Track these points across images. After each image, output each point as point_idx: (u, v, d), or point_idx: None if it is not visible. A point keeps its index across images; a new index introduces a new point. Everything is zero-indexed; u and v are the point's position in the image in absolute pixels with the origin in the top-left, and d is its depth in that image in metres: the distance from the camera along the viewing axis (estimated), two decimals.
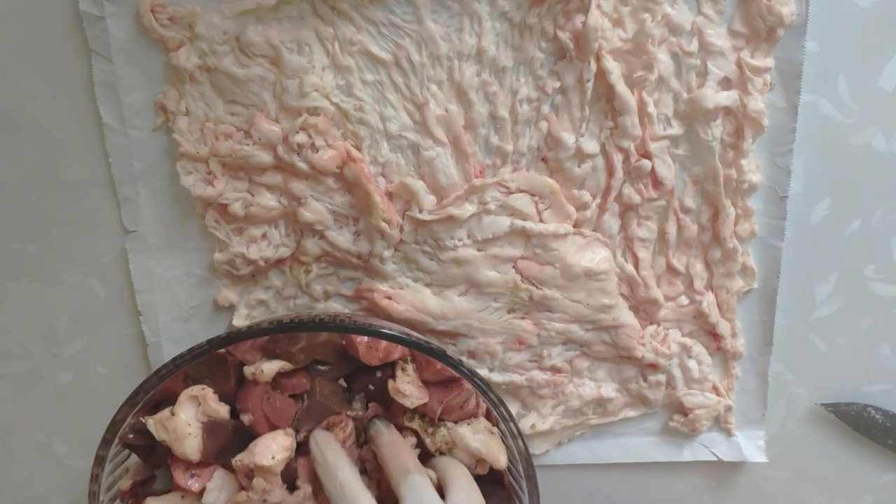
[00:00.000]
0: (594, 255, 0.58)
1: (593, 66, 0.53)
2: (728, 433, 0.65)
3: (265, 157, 0.54)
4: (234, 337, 0.50)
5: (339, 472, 0.51)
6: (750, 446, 0.65)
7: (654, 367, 0.62)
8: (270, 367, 0.52)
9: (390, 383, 0.54)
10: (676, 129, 0.56)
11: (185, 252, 0.58)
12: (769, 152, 0.57)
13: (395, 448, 0.53)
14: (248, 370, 0.52)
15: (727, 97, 0.54)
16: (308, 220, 0.56)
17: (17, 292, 0.59)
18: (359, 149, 0.55)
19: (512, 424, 0.53)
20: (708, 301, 0.60)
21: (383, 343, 0.53)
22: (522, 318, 0.60)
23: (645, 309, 0.61)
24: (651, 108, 0.54)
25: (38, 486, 0.65)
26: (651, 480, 0.67)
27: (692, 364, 0.62)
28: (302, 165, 0.54)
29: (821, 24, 0.54)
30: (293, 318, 0.51)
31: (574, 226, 0.58)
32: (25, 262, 0.59)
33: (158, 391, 0.51)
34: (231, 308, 0.60)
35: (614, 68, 0.53)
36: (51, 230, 0.58)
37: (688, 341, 0.62)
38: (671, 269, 0.60)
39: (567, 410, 0.63)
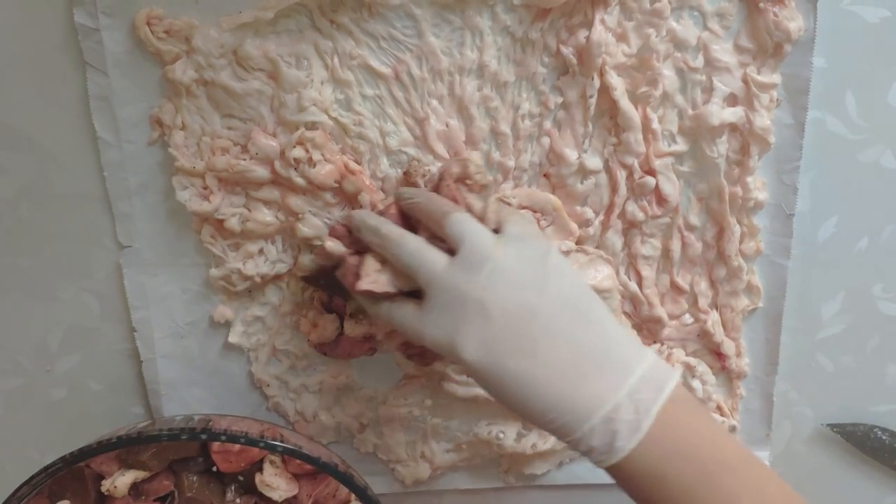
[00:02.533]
0: (597, 273, 0.57)
1: (597, 82, 0.52)
2: None
3: (262, 172, 0.54)
4: (87, 452, 0.50)
5: None
6: None
7: None
8: (124, 481, 0.52)
9: (258, 476, 0.54)
10: (681, 145, 0.55)
11: (181, 268, 0.58)
12: (775, 169, 0.56)
13: (425, 202, 0.50)
14: (104, 486, 0.53)
15: (733, 113, 0.54)
16: (306, 235, 0.55)
17: (10, 307, 0.59)
18: (358, 163, 0.54)
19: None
20: (712, 320, 0.59)
21: (237, 448, 0.53)
22: None
23: (648, 327, 0.60)
24: (655, 125, 0.54)
25: None
26: None
27: (696, 383, 0.61)
28: (299, 180, 0.53)
29: (828, 40, 0.53)
30: (140, 430, 0.51)
31: (577, 243, 0.57)
32: (18, 276, 0.58)
33: None
34: (227, 324, 0.59)
35: (618, 84, 0.52)
36: (44, 245, 0.57)
37: (692, 360, 0.61)
38: (675, 288, 0.59)
39: None
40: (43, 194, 0.56)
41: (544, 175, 0.56)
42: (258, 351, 0.60)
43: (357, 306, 0.56)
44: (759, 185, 0.56)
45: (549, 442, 0.62)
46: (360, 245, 0.51)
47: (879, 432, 0.63)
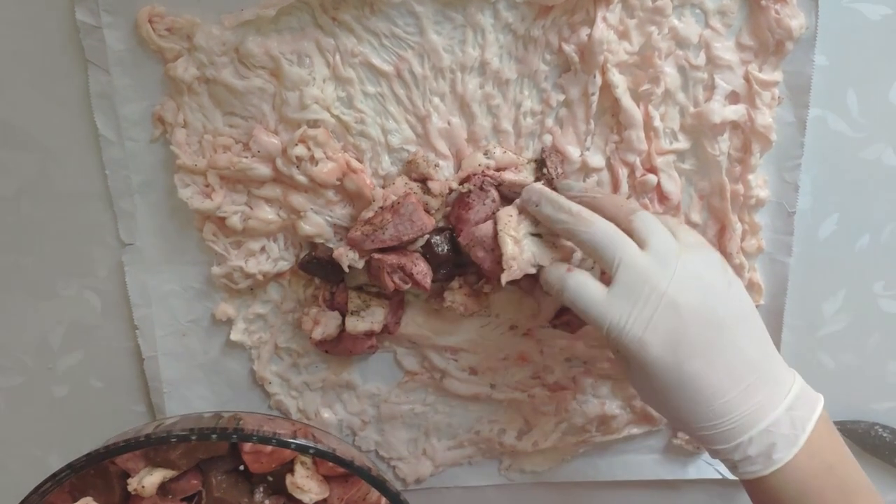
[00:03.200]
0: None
1: (598, 80, 0.52)
2: None
3: (264, 170, 0.53)
4: (114, 450, 0.49)
5: None
6: None
7: None
8: (152, 481, 0.52)
9: (288, 478, 0.54)
10: (683, 143, 0.55)
11: (183, 265, 0.58)
12: (777, 167, 0.56)
13: (608, 198, 0.51)
14: (130, 485, 0.52)
15: (735, 111, 0.54)
16: (308, 233, 0.55)
17: (12, 305, 0.59)
18: (360, 161, 0.54)
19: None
20: None
21: (269, 449, 0.53)
22: (525, 334, 0.59)
23: None
24: (657, 122, 0.54)
25: None
26: (655, 498, 0.66)
27: None
28: (301, 178, 0.53)
29: (830, 38, 0.53)
30: (169, 428, 0.51)
31: None
32: (20, 274, 0.58)
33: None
34: (229, 322, 0.59)
35: (620, 82, 0.52)
36: (46, 243, 0.57)
37: None
38: None
39: (570, 427, 0.62)
40: (44, 192, 0.56)
41: None
42: (260, 349, 0.60)
43: (359, 303, 0.56)
44: (761, 183, 0.56)
45: (550, 439, 0.62)
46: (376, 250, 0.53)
47: (880, 430, 0.63)
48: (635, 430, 0.63)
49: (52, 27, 0.52)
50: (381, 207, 0.53)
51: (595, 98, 0.53)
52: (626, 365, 0.49)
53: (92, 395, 0.61)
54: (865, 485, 0.48)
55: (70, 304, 0.59)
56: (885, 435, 0.63)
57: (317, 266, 0.56)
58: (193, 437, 0.50)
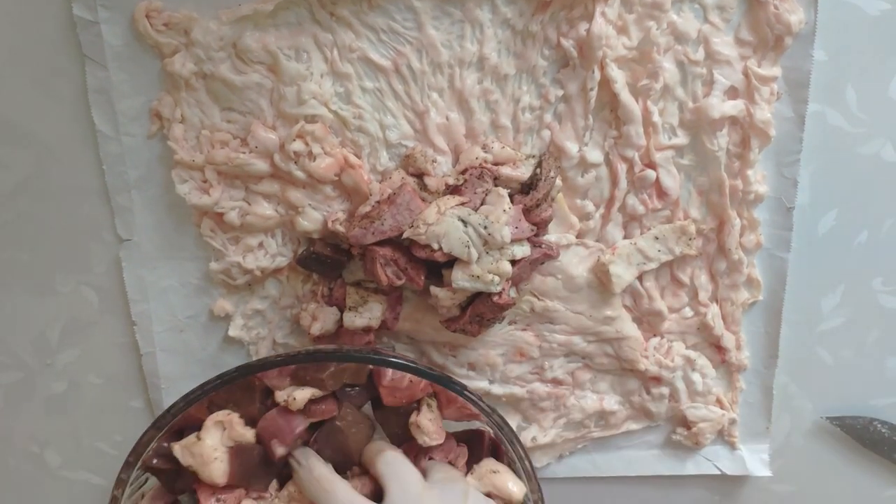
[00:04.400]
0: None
1: (597, 75, 0.52)
2: (732, 446, 0.64)
3: (262, 166, 0.53)
4: (265, 364, 0.50)
5: (313, 469, 0.51)
6: (754, 460, 0.64)
7: (658, 379, 0.61)
8: (302, 395, 0.51)
9: (413, 416, 0.53)
10: (682, 138, 0.55)
11: (181, 261, 0.58)
12: (776, 162, 0.56)
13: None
14: (279, 396, 0.52)
15: (733, 106, 0.54)
16: (306, 228, 0.55)
17: (10, 301, 0.59)
18: (358, 157, 0.54)
19: (527, 463, 0.53)
20: (712, 313, 0.59)
21: (405, 383, 0.53)
22: (523, 329, 0.59)
23: (648, 321, 0.60)
24: (656, 118, 0.54)
25: (30, 498, 0.64)
26: (654, 494, 0.66)
27: (696, 377, 0.61)
28: (299, 174, 0.53)
29: (829, 33, 0.53)
30: (319, 349, 0.52)
31: (577, 236, 0.57)
32: (18, 270, 0.58)
33: (182, 418, 0.50)
34: (227, 318, 0.59)
35: (619, 77, 0.52)
36: (43, 238, 0.57)
37: (692, 354, 0.61)
38: (675, 281, 0.59)
39: (569, 423, 0.62)
40: (42, 188, 0.56)
41: None
42: (258, 344, 0.60)
43: (357, 299, 0.56)
44: (760, 179, 0.56)
45: (548, 435, 0.62)
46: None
47: (879, 425, 0.63)
48: (634, 426, 0.63)
49: (49, 22, 0.51)
50: (378, 201, 0.53)
51: (594, 93, 0.53)
52: None
53: (90, 390, 0.61)
54: None
55: (68, 299, 0.59)
56: (883, 430, 0.63)
57: (315, 262, 0.56)
58: (348, 357, 0.51)
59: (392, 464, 0.50)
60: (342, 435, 0.53)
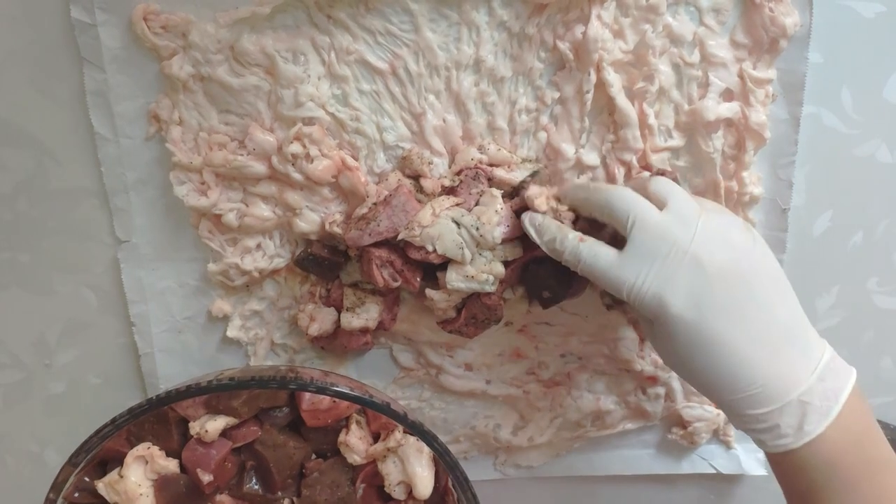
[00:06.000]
0: None
1: (593, 77, 0.52)
2: (727, 446, 0.64)
3: (259, 167, 0.54)
4: (176, 395, 0.50)
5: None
6: (749, 459, 0.64)
7: (654, 379, 0.61)
8: (215, 426, 0.52)
9: (341, 435, 0.54)
10: (677, 140, 0.55)
11: (179, 262, 0.58)
12: (771, 164, 0.56)
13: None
14: (192, 429, 0.52)
15: (729, 109, 0.54)
16: (303, 230, 0.55)
17: (9, 302, 0.59)
18: (355, 159, 0.54)
19: (458, 472, 0.53)
20: None
21: (326, 404, 0.53)
22: (520, 330, 0.60)
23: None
24: (652, 120, 0.54)
25: (30, 497, 0.64)
26: (649, 493, 0.66)
27: None
28: (297, 176, 0.53)
29: (824, 35, 0.53)
30: (232, 376, 0.51)
31: None
32: (17, 271, 0.58)
33: (102, 450, 0.51)
34: (225, 319, 0.59)
35: (615, 80, 0.52)
36: (42, 240, 0.57)
37: None
38: None
39: (565, 423, 0.63)
40: (40, 190, 0.56)
41: None
42: (256, 345, 0.60)
43: (354, 300, 0.57)
44: (755, 180, 0.56)
45: (545, 435, 0.62)
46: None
47: None
48: (630, 426, 0.63)
49: (47, 25, 0.52)
50: (375, 203, 0.53)
51: (590, 96, 0.53)
52: (648, 328, 0.48)
53: (89, 391, 0.62)
54: (894, 461, 0.46)
55: (66, 300, 0.59)
56: None
57: (312, 263, 0.56)
58: (254, 385, 0.50)
59: (666, 182, 0.48)
60: (264, 458, 0.54)
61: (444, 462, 0.52)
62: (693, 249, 0.44)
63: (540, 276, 0.54)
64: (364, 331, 0.57)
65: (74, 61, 0.52)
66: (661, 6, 0.51)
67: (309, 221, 0.55)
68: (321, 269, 0.56)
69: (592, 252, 0.47)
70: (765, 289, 0.45)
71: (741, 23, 0.53)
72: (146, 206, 0.56)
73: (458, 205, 0.53)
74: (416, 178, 0.54)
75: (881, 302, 0.61)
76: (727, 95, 0.54)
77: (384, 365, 0.61)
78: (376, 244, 0.53)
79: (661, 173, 0.53)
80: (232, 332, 0.59)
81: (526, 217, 0.52)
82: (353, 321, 0.57)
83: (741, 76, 0.53)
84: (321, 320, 0.58)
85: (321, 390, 0.50)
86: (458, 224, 0.52)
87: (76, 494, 0.51)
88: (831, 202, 0.58)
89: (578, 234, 0.49)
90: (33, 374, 0.61)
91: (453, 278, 0.52)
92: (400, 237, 0.52)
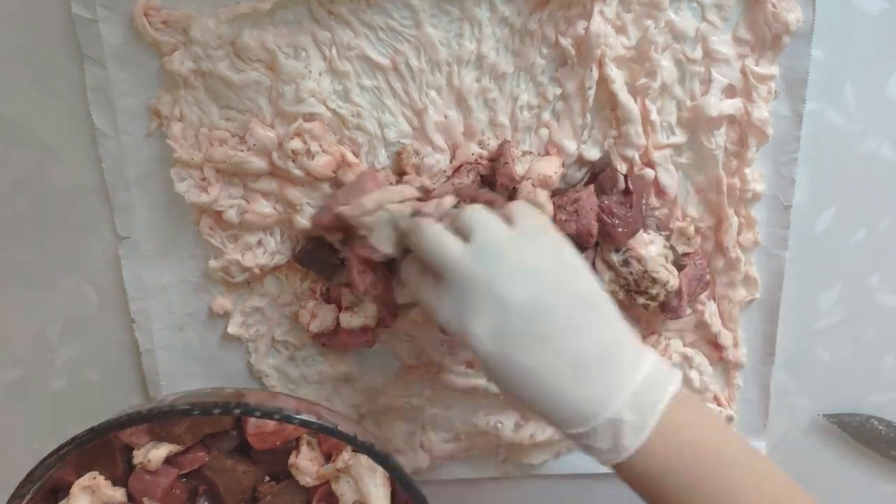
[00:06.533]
0: None
1: (595, 73, 0.52)
2: None
3: (260, 164, 0.53)
4: (116, 424, 0.49)
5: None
6: None
7: None
8: (158, 454, 0.52)
9: (291, 457, 0.54)
10: (680, 137, 0.55)
11: (180, 259, 0.58)
12: (773, 161, 0.56)
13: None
14: (136, 458, 0.52)
15: (731, 105, 0.54)
16: (303, 227, 0.55)
17: (9, 299, 0.59)
18: (356, 155, 0.54)
19: (413, 490, 0.53)
20: (710, 311, 0.59)
21: (271, 427, 0.53)
22: None
23: (646, 319, 0.60)
24: (654, 116, 0.54)
25: None
26: None
27: (693, 374, 0.61)
28: (297, 172, 0.53)
29: (827, 32, 0.53)
30: (173, 403, 0.50)
31: None
32: (17, 268, 0.58)
33: (50, 480, 0.51)
34: (226, 315, 0.59)
35: (617, 76, 0.52)
36: (43, 236, 0.57)
37: (689, 351, 0.61)
38: None
39: None
40: (41, 186, 0.56)
41: None
42: (257, 342, 0.60)
43: (353, 298, 0.56)
44: (757, 177, 0.56)
45: (546, 432, 0.62)
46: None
47: (876, 422, 0.63)
48: None
49: (47, 21, 0.51)
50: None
51: (592, 92, 0.53)
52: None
53: (89, 388, 0.61)
54: (739, 457, 0.45)
55: (67, 297, 0.59)
56: (880, 428, 0.63)
57: (312, 260, 0.56)
58: (196, 412, 0.49)
59: (472, 212, 0.47)
60: (214, 484, 0.54)
61: (400, 480, 0.52)
62: (496, 286, 0.44)
63: None
64: (365, 329, 0.57)
65: (75, 57, 0.52)
66: (664, 2, 0.51)
67: (309, 218, 0.55)
68: (321, 266, 0.56)
69: (420, 285, 0.48)
70: (572, 317, 0.45)
71: (744, 19, 0.52)
72: (147, 202, 0.56)
73: (421, 199, 0.52)
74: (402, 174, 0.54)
75: (883, 299, 0.61)
76: (729, 92, 0.54)
77: (385, 361, 0.61)
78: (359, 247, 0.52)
79: (475, 199, 0.51)
80: (233, 329, 0.59)
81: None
82: (352, 320, 0.57)
83: (744, 72, 0.53)
84: (322, 317, 0.58)
85: (267, 415, 0.50)
86: (396, 222, 0.51)
87: None
88: (834, 199, 0.58)
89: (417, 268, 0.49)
90: (34, 370, 0.61)
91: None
92: (336, 210, 0.51)
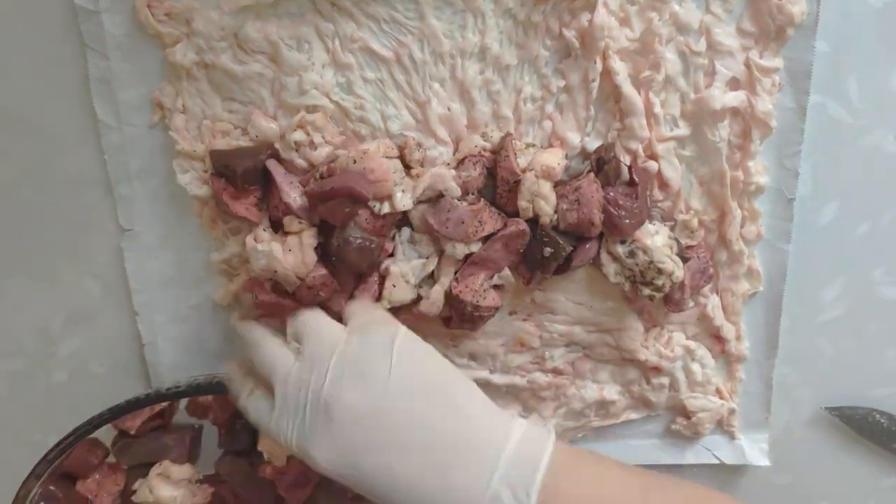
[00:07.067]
0: None
1: (599, 65, 0.52)
2: (731, 436, 0.64)
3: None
4: (133, 405, 0.52)
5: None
6: (753, 449, 0.64)
7: (658, 369, 0.61)
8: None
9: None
10: (683, 129, 0.55)
11: (182, 251, 0.58)
12: (777, 154, 0.56)
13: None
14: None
15: (735, 98, 0.53)
16: None
17: (12, 290, 0.59)
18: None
19: None
20: (713, 304, 0.59)
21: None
22: (524, 319, 0.59)
23: (648, 311, 0.60)
24: (658, 109, 0.53)
25: None
26: None
27: (696, 367, 0.61)
28: (300, 163, 0.53)
29: (831, 24, 0.53)
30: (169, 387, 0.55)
31: None
32: (20, 260, 0.58)
33: (70, 458, 0.53)
34: (229, 307, 0.59)
35: (621, 69, 0.52)
36: (46, 228, 0.57)
37: (692, 344, 0.61)
38: None
39: (569, 412, 0.63)
40: (44, 178, 0.56)
41: None
42: None
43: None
44: (761, 170, 0.56)
45: (549, 424, 0.62)
46: None
47: (878, 416, 0.63)
48: (634, 415, 0.63)
49: (50, 12, 0.51)
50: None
51: (595, 84, 0.53)
52: None
53: (92, 380, 0.62)
54: (638, 499, 0.44)
55: (70, 289, 0.59)
56: (882, 421, 0.63)
57: None
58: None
59: (304, 321, 0.47)
60: None
61: None
62: (323, 395, 0.43)
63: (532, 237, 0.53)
64: None
65: (78, 48, 0.52)
66: None
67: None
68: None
69: (254, 407, 0.47)
70: (414, 411, 0.43)
71: (748, 11, 0.52)
72: (150, 194, 0.56)
73: None
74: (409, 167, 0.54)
75: (887, 293, 0.61)
76: (733, 84, 0.54)
77: None
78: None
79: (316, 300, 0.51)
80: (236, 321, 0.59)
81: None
82: None
83: (747, 65, 0.53)
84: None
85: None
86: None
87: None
88: (837, 192, 0.58)
89: (250, 387, 0.49)
90: (36, 362, 0.61)
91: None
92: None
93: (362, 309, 0.48)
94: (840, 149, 0.57)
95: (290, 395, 0.44)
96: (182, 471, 0.56)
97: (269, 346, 0.47)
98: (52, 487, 0.52)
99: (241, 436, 0.56)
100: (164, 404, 0.56)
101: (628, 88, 0.52)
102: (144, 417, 0.55)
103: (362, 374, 0.44)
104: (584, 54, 0.52)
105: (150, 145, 0.55)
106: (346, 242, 0.50)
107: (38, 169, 0.55)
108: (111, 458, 0.57)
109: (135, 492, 0.56)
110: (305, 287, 0.51)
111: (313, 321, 0.47)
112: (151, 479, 0.55)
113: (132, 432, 0.55)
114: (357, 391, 0.43)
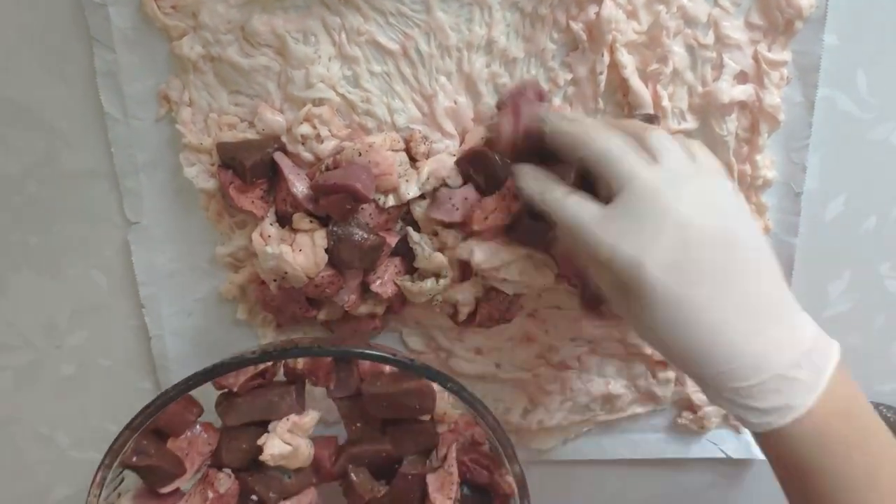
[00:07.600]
0: None
1: (606, 58, 0.52)
2: (737, 430, 0.64)
3: None
4: (234, 363, 0.49)
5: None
6: None
7: (664, 363, 0.61)
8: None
9: None
10: (691, 123, 0.54)
11: (189, 244, 0.58)
12: (784, 147, 0.56)
13: (624, 121, 0.49)
14: None
15: (743, 91, 0.53)
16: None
17: (19, 284, 0.59)
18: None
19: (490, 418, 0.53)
20: None
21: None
22: (530, 314, 0.59)
23: None
24: (665, 102, 0.53)
25: (41, 478, 0.65)
26: (659, 477, 0.66)
27: None
28: (307, 156, 0.53)
29: (840, 17, 0.53)
30: (284, 344, 0.52)
31: None
32: (27, 253, 0.58)
33: (165, 415, 0.51)
34: (235, 301, 0.59)
35: (629, 62, 0.52)
36: (52, 222, 0.57)
37: None
38: None
39: (575, 406, 0.63)
40: (51, 171, 0.56)
41: None
42: (266, 327, 0.60)
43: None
44: (768, 164, 0.56)
45: (554, 418, 0.62)
46: None
47: (885, 410, 0.63)
48: (639, 410, 0.63)
49: (57, 5, 0.51)
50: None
51: (603, 77, 0.52)
52: (621, 299, 0.44)
53: (99, 373, 0.62)
54: (884, 429, 0.43)
55: (77, 282, 0.59)
56: (889, 415, 0.63)
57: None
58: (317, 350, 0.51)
59: (664, 137, 0.44)
60: None
61: (476, 410, 0.52)
62: (681, 212, 0.41)
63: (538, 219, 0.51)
64: (372, 316, 0.57)
65: (84, 42, 0.52)
66: None
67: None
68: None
69: (576, 204, 0.44)
70: (750, 259, 0.43)
71: (756, 4, 0.52)
72: (156, 187, 0.56)
73: None
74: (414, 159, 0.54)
75: (893, 287, 0.61)
76: (741, 78, 0.54)
77: (393, 347, 0.61)
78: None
79: (650, 119, 0.51)
80: (242, 315, 0.59)
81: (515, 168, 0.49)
82: (360, 307, 0.57)
83: (756, 58, 0.53)
84: (329, 304, 0.57)
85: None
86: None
87: (134, 458, 0.51)
88: (845, 186, 0.58)
89: (568, 188, 0.46)
90: (43, 356, 0.61)
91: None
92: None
93: (707, 152, 0.46)
94: (848, 143, 0.56)
95: (640, 202, 0.42)
96: (308, 419, 0.54)
97: (623, 141, 0.44)
98: (144, 442, 0.51)
99: (349, 381, 0.55)
100: (268, 364, 0.55)
101: (636, 82, 0.52)
102: (248, 375, 0.53)
103: (719, 208, 0.43)
104: (592, 47, 0.52)
105: (156, 138, 0.55)
106: (345, 238, 0.51)
107: (45, 162, 0.55)
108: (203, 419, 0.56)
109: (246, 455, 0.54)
110: (313, 285, 0.52)
111: (670, 142, 0.45)
112: (280, 433, 0.53)
113: (235, 389, 0.53)
114: (714, 217, 0.42)
